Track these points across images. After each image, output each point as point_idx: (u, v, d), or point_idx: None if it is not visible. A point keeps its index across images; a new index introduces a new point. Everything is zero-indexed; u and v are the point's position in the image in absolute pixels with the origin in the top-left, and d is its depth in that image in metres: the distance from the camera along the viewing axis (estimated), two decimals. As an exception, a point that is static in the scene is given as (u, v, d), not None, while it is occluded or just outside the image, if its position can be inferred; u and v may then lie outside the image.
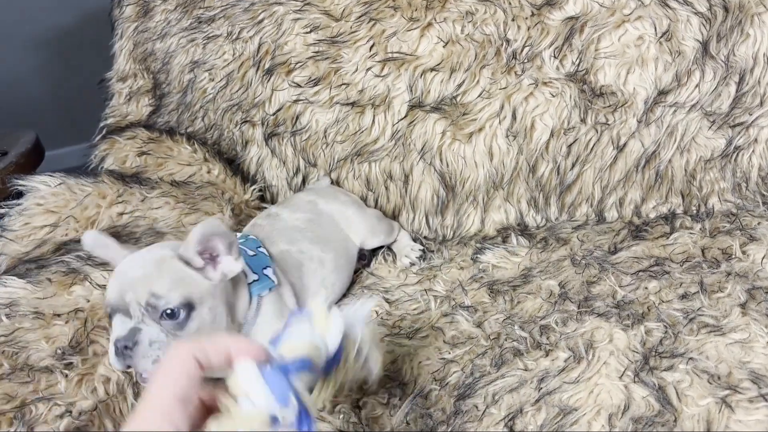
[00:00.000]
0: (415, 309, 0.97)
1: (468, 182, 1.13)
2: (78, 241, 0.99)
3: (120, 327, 0.77)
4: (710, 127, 1.03)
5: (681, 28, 1.00)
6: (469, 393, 0.78)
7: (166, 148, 1.24)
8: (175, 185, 1.13)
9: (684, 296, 0.86)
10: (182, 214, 1.08)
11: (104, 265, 0.94)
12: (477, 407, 0.77)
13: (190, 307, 0.78)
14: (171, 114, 1.29)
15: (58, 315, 0.86)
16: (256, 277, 0.88)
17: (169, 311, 0.77)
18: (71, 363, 0.83)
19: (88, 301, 0.90)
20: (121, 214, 1.05)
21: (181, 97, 1.26)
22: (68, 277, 0.92)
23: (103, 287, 0.91)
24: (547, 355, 0.82)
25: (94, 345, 0.87)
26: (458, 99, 1.08)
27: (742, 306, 0.82)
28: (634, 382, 0.74)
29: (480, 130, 1.10)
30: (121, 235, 1.02)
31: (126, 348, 0.76)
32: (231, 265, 0.81)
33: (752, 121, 1.02)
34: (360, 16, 1.10)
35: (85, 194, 1.04)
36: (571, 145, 1.07)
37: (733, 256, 0.93)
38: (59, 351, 0.84)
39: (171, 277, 0.78)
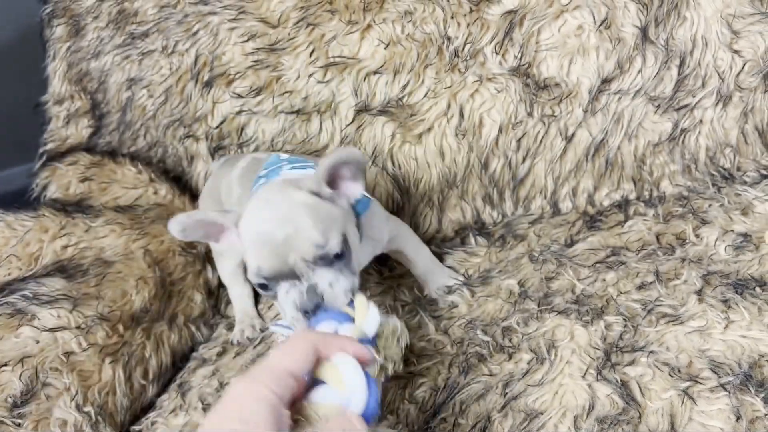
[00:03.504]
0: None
1: (422, 183, 1.11)
2: (22, 280, 0.96)
3: (293, 292, 0.70)
4: (656, 112, 1.04)
5: (619, 14, 1.00)
6: (439, 410, 0.77)
7: (110, 171, 1.20)
8: (120, 211, 1.10)
9: (641, 286, 0.87)
10: (130, 240, 1.05)
11: (52, 303, 0.91)
12: (446, 420, 0.76)
13: (345, 240, 0.73)
14: (112, 134, 1.25)
15: (5, 363, 0.83)
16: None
17: (337, 254, 0.71)
18: (24, 411, 0.80)
19: (38, 342, 0.87)
20: (66, 247, 1.01)
21: (120, 117, 1.22)
22: (14, 319, 0.89)
23: (53, 329, 0.88)
24: (510, 358, 0.82)
25: (47, 388, 0.84)
26: (404, 100, 1.07)
27: (698, 293, 0.82)
28: (597, 380, 0.74)
29: (429, 130, 1.08)
30: (67, 268, 0.99)
31: (317, 307, 0.69)
32: (352, 189, 0.78)
33: (696, 103, 1.03)
34: (297, 22, 1.07)
35: (25, 230, 1.00)
36: (520, 139, 1.06)
37: (687, 241, 0.94)
38: (10, 399, 0.81)
39: (321, 220, 0.72)
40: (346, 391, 0.57)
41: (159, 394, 0.97)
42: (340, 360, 0.58)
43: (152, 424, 0.89)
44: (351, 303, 0.70)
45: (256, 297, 1.11)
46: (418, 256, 0.98)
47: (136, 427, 0.90)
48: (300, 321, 0.70)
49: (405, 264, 1.00)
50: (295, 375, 0.54)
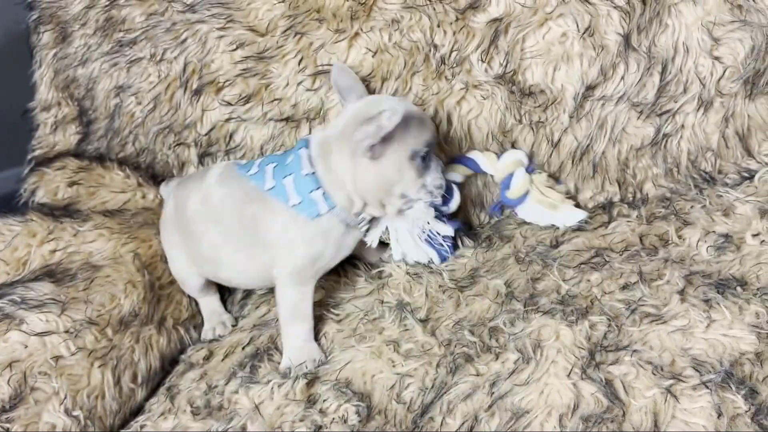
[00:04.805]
0: (365, 317, 0.97)
1: (410, 188, 1.12)
2: (10, 285, 0.96)
3: (438, 162, 0.98)
4: (639, 117, 1.06)
5: (602, 22, 1.02)
6: (427, 409, 0.78)
7: (98, 176, 1.20)
8: (109, 215, 1.10)
9: (625, 287, 0.88)
10: (118, 244, 1.06)
11: (40, 307, 0.91)
12: (433, 419, 0.77)
13: None
14: (100, 141, 1.25)
15: (-6, 367, 0.83)
16: None
17: None
18: (12, 416, 0.80)
19: (26, 346, 0.87)
20: (54, 251, 1.01)
21: (108, 123, 1.23)
22: (2, 324, 0.89)
23: (41, 334, 0.88)
24: (497, 358, 0.83)
25: (36, 392, 0.84)
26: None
27: (681, 293, 0.84)
28: (582, 379, 0.75)
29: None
30: (55, 272, 0.99)
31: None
32: None
33: (678, 108, 1.05)
34: (285, 30, 1.08)
35: (13, 235, 1.00)
36: (509, 145, 1.09)
37: (670, 242, 0.96)
38: (-2, 405, 0.81)
39: None
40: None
41: (148, 398, 0.97)
42: None
43: (141, 427, 0.89)
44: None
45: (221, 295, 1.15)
46: None
47: (126, 431, 0.90)
48: (444, 185, 0.98)
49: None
50: None
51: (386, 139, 0.89)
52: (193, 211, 1.02)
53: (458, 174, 1.08)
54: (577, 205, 1.09)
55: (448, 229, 1.03)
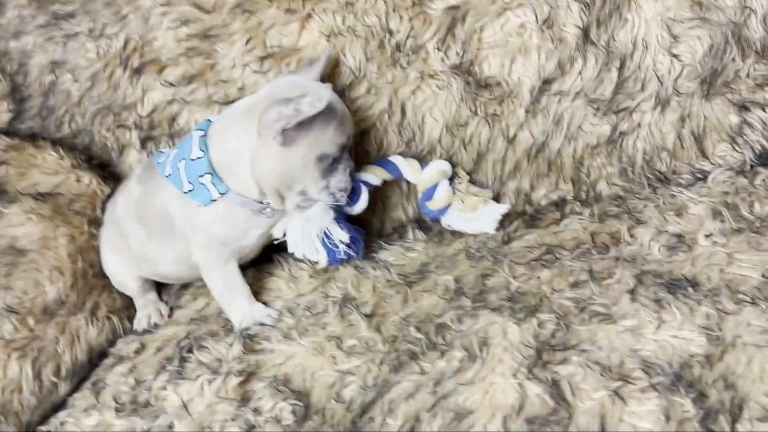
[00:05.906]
0: (309, 311, 0.93)
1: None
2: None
3: (347, 164, 0.93)
4: (595, 114, 1.04)
5: (561, 14, 0.99)
6: (367, 409, 0.75)
7: (29, 155, 1.13)
8: (41, 199, 1.04)
9: (575, 284, 0.86)
10: (49, 229, 1.00)
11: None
12: (373, 420, 0.73)
13: None
14: (34, 119, 1.18)
15: None
16: None
17: None
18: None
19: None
20: (-27, 234, 0.94)
21: (43, 101, 1.16)
22: None
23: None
24: (442, 356, 0.79)
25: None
26: (345, 94, 1.04)
27: (631, 292, 0.82)
28: (528, 379, 0.72)
29: (371, 126, 1.06)
30: (-25, 258, 0.92)
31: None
32: None
33: (635, 107, 1.03)
34: (233, 8, 1.03)
35: (-72, 215, 0.93)
36: (464, 139, 1.06)
37: (622, 241, 0.94)
38: None
39: None
40: None
41: (72, 393, 0.91)
42: None
43: (62, 423, 0.84)
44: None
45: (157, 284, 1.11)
46: None
47: (44, 428, 0.84)
48: (348, 188, 0.93)
49: None
50: None
51: (302, 127, 0.83)
52: (120, 213, 1.02)
53: (375, 176, 1.02)
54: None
55: (343, 235, 0.97)
